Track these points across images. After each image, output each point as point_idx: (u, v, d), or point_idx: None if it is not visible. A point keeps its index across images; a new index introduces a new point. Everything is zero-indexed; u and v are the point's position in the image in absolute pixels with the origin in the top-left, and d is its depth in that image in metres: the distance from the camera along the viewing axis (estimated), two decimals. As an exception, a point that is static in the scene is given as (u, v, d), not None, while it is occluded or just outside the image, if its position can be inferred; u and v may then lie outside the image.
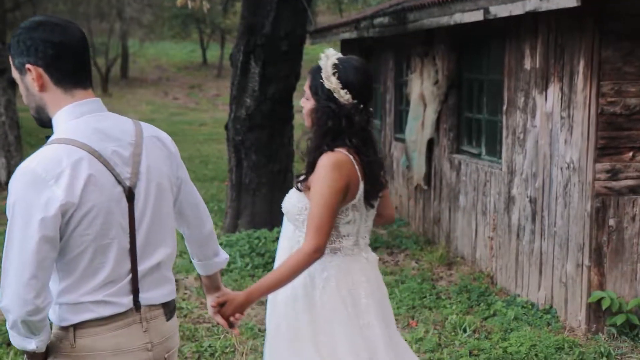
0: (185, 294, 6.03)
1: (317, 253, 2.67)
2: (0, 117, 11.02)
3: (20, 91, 2.11)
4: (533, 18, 5.57)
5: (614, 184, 4.97)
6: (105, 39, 28.39)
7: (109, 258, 2.02)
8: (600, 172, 4.95)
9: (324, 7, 33.38)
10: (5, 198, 8.37)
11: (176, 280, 6.30)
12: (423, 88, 7.76)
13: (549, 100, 5.43)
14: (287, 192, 8.02)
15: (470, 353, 4.77)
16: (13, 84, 11.17)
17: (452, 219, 7.27)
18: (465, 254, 6.97)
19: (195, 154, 16.21)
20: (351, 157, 2.75)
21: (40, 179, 1.91)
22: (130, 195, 2.05)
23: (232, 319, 2.63)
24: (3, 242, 2.02)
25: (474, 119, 7.03)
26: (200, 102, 27.79)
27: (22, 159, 11.45)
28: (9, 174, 10.82)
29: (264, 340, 4.92)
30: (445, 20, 6.45)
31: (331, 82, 2.76)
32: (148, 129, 2.18)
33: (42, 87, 2.03)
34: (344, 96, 2.76)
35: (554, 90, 5.37)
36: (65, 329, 2.03)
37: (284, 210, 2.93)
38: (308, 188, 2.79)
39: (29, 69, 2.02)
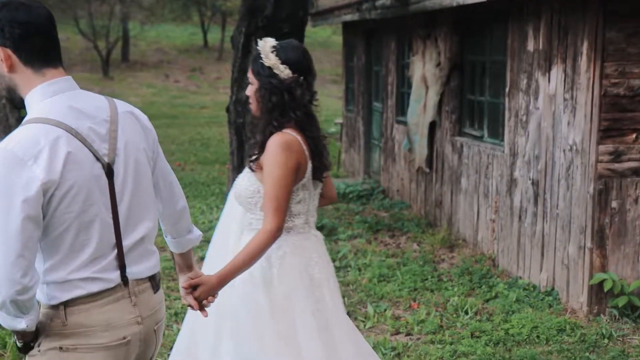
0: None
1: (278, 232, 2.79)
2: (1, 100, 11.00)
3: None
4: (536, -1, 5.53)
5: (616, 165, 4.96)
6: (106, 21, 28.27)
7: (93, 234, 2.03)
8: (603, 154, 4.94)
9: (326, -11, 33.20)
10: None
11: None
12: (425, 70, 7.73)
13: (552, 81, 5.41)
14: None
15: (471, 335, 4.78)
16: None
17: (454, 202, 7.26)
18: (467, 236, 6.97)
19: (197, 137, 16.19)
20: (298, 137, 2.89)
21: (19, 160, 1.91)
22: (109, 171, 2.07)
23: (204, 302, 2.67)
24: None
25: (476, 101, 7.00)
26: (201, 85, 27.72)
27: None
28: (10, 156, 10.77)
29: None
30: (447, 1, 6.41)
31: (270, 59, 2.90)
32: (122, 105, 2.19)
33: (12, 68, 2.03)
34: (283, 71, 2.89)
35: (557, 72, 5.34)
36: (55, 307, 2.04)
37: (235, 194, 3.01)
38: (260, 168, 2.89)
39: None
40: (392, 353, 4.45)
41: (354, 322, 5.04)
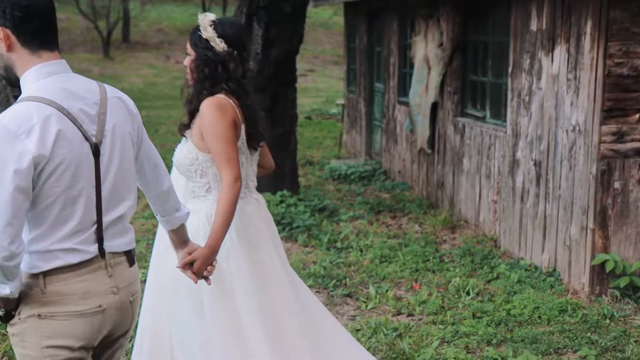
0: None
1: (237, 181, 2.92)
2: (2, 81, 10.95)
3: None
4: (540, -22, 5.48)
5: (619, 146, 4.94)
6: (106, 2, 28.12)
7: (77, 209, 2.15)
8: (606, 135, 4.91)
9: (327, -31, 32.98)
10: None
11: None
12: (427, 51, 7.68)
13: (555, 62, 5.37)
14: (290, 155, 8.06)
15: (473, 315, 4.79)
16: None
17: (456, 183, 7.25)
18: (469, 217, 6.96)
19: (198, 118, 16.14)
20: (231, 100, 3.02)
21: (13, 134, 2.02)
22: (96, 151, 2.18)
23: (205, 273, 2.81)
24: None
25: (478, 82, 6.96)
26: (202, 66, 27.57)
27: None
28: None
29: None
30: (450, -20, 6.36)
31: (207, 31, 3.04)
32: (111, 91, 2.30)
33: (10, 48, 2.14)
34: (219, 44, 3.04)
35: (560, 52, 5.30)
36: (35, 276, 2.14)
37: (175, 164, 3.13)
38: (194, 135, 3.04)
39: None
40: (394, 333, 4.45)
41: (356, 303, 5.06)
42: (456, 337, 4.42)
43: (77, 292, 2.16)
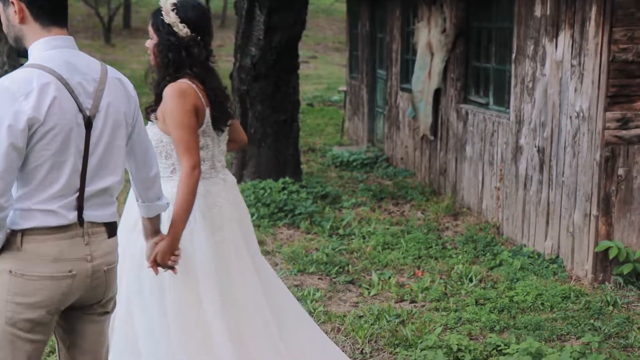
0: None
1: (196, 169, 2.98)
2: (4, 67, 10.93)
3: (2, 21, 2.37)
4: (544, -37, 5.43)
5: (624, 132, 4.91)
6: (107, -12, 28.01)
7: (63, 174, 2.26)
8: (611, 121, 4.89)
9: (329, -45, 32.83)
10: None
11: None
12: (430, 37, 7.64)
13: (560, 48, 5.34)
14: (293, 142, 8.04)
15: (476, 302, 4.78)
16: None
17: (459, 170, 7.23)
18: (472, 204, 6.95)
19: (200, 105, 16.12)
20: (194, 85, 3.05)
21: (12, 94, 2.16)
22: (88, 123, 2.30)
23: (170, 262, 2.92)
24: None
25: (482, 68, 6.93)
26: (203, 53, 27.50)
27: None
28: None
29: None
30: (454, -34, 6.31)
31: (170, 16, 3.05)
32: (112, 72, 2.42)
33: (23, 20, 2.30)
34: (182, 29, 3.05)
35: (564, 38, 5.27)
36: (14, 232, 2.25)
37: None
38: (157, 118, 3.10)
39: (12, 2, 2.29)
40: (397, 320, 4.45)
41: (358, 290, 5.06)
42: (459, 324, 4.42)
43: (51, 254, 2.25)
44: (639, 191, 4.98)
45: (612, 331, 4.28)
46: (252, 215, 6.60)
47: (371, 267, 5.48)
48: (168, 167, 3.13)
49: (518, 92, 5.99)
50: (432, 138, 7.83)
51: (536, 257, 5.58)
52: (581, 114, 5.10)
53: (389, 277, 5.26)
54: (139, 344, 3.11)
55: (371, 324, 4.38)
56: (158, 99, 3.11)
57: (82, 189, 2.30)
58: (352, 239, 6.19)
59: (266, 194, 6.95)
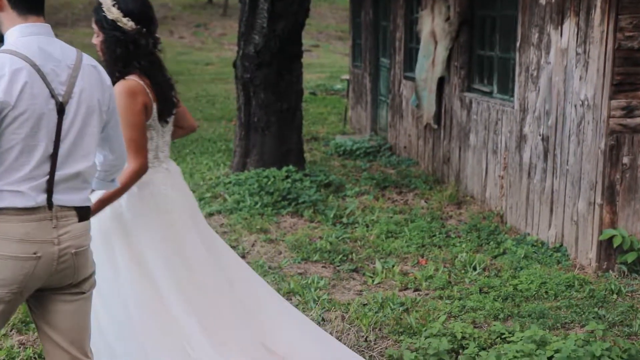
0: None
1: (143, 169, 3.08)
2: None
3: None
4: (550, -50, 5.40)
5: (629, 121, 4.90)
6: (109, -24, 27.92)
7: (33, 158, 2.30)
8: (616, 109, 4.87)
9: (331, -57, 32.69)
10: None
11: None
12: (434, 25, 7.61)
13: (565, 35, 5.31)
14: (296, 130, 8.05)
15: (480, 290, 4.78)
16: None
17: (462, 158, 7.22)
18: (475, 193, 6.94)
19: (202, 94, 16.10)
20: (142, 82, 3.10)
21: None
22: (61, 109, 2.35)
23: None
24: None
25: (485, 57, 6.90)
26: (206, 42, 27.50)
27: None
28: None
29: (273, 277, 4.95)
30: (458, -47, 6.28)
31: (112, 12, 3.08)
32: (88, 59, 2.47)
33: (0, 8, 2.37)
34: (127, 23, 3.08)
35: (569, 25, 5.24)
36: None
37: None
38: None
39: None
40: (401, 308, 4.45)
41: (362, 278, 5.06)
42: (463, 312, 4.42)
43: (17, 234, 2.29)
44: (643, 180, 4.97)
45: (616, 319, 4.29)
46: (256, 203, 6.60)
47: (375, 256, 5.48)
48: None
49: (522, 81, 5.97)
50: (435, 127, 7.82)
51: (540, 245, 5.58)
52: (586, 102, 5.09)
53: (393, 266, 5.26)
54: (102, 327, 3.16)
55: (375, 312, 4.39)
56: None
57: (52, 173, 2.34)
58: (355, 227, 6.20)
59: (270, 183, 6.95)
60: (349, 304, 4.54)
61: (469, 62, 7.16)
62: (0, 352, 3.78)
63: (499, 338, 3.94)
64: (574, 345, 3.56)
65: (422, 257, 5.50)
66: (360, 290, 4.86)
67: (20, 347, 3.89)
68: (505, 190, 6.34)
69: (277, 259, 5.42)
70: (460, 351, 3.77)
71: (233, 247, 5.64)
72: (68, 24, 27.13)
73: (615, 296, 4.64)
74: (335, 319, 4.26)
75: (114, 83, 3.05)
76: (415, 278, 5.01)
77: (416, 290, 4.86)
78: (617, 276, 4.95)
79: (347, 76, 12.80)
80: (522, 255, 5.35)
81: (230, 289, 3.46)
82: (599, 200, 5.01)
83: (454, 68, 7.36)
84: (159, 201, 3.25)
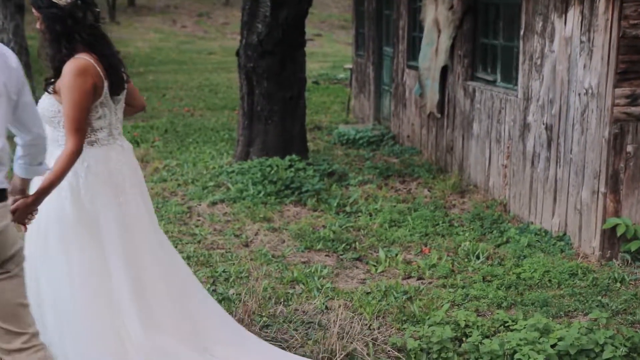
0: (199, 220, 6.05)
1: (78, 152, 3.08)
2: (10, 44, 10.89)
3: None
4: (554, -62, 5.37)
5: (633, 109, 4.88)
6: (111, -35, 27.85)
7: None
8: (620, 98, 4.86)
9: None
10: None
11: (189, 208, 6.33)
12: (437, 13, 7.59)
13: (569, 23, 5.29)
14: (299, 119, 8.06)
15: (483, 279, 4.79)
16: (21, 9, 10.99)
17: (466, 147, 7.21)
18: (478, 182, 6.94)
19: (205, 83, 16.08)
20: (92, 60, 3.11)
21: None
22: None
23: (26, 221, 3.01)
24: None
25: (489, 45, 6.88)
26: (208, 31, 27.44)
27: (32, 85, 11.37)
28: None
29: (277, 266, 4.96)
30: (462, -59, 6.25)
31: None
32: None
33: None
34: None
35: (574, 14, 5.22)
36: None
37: (40, 113, 3.26)
38: (56, 91, 3.16)
39: None
40: (404, 296, 4.46)
41: (366, 267, 5.07)
42: (466, 300, 4.43)
43: None
44: (647, 168, 4.96)
45: (619, 308, 4.29)
46: (259, 192, 6.61)
47: (378, 245, 5.49)
48: (63, 135, 3.20)
49: (526, 69, 5.95)
50: (438, 116, 7.80)
51: (543, 234, 5.58)
52: (590, 91, 5.07)
53: (396, 254, 5.26)
54: (44, 308, 3.20)
55: (379, 301, 4.39)
56: (57, 72, 3.16)
57: None
58: (359, 216, 6.20)
59: (273, 172, 6.95)
60: (352, 292, 4.54)
61: (473, 51, 7.14)
62: None
63: (502, 326, 3.95)
64: (578, 333, 3.56)
65: (426, 245, 5.51)
66: (364, 279, 4.87)
67: None
68: (508, 179, 6.34)
69: (280, 248, 5.43)
70: (464, 339, 3.78)
71: (237, 236, 5.65)
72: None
73: (618, 285, 4.64)
74: (338, 307, 4.26)
75: (62, 62, 3.11)
76: (419, 267, 5.01)
77: (419, 278, 4.87)
78: (620, 265, 4.95)
79: (350, 65, 12.77)
80: (526, 244, 5.35)
81: (172, 276, 3.51)
82: (602, 188, 5.00)
83: (457, 57, 7.34)
84: (115, 178, 3.30)
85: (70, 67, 3.06)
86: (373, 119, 10.61)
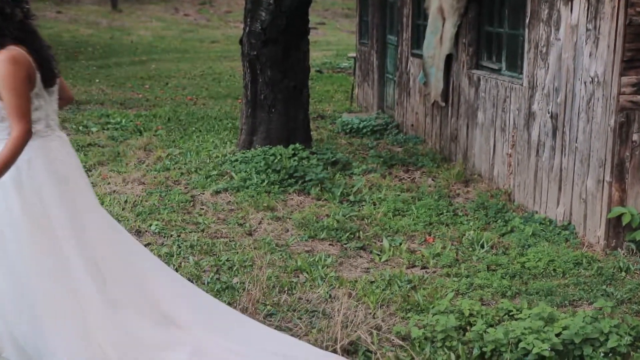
0: (202, 209, 6.04)
1: (27, 134, 3.11)
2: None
3: None
4: None
5: (639, 97, 4.85)
6: (114, -47, 27.76)
7: None
8: (626, 86, 4.82)
9: None
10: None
11: (192, 196, 6.32)
12: (442, 1, 7.54)
13: (575, 11, 5.25)
14: (303, 108, 8.03)
15: (487, 268, 4.77)
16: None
17: (470, 136, 7.19)
18: (483, 171, 6.91)
19: (208, 72, 16.05)
20: (23, 51, 3.13)
21: None
22: None
23: None
24: None
25: (494, 33, 6.84)
26: (211, 19, 27.37)
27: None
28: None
29: (281, 255, 4.95)
30: None
31: None
32: None
33: None
34: None
35: (580, 1, 5.18)
36: None
37: None
38: None
39: None
40: (408, 285, 4.45)
41: (369, 256, 5.06)
42: (471, 289, 4.42)
43: None
44: (653, 157, 4.93)
45: (624, 297, 4.28)
46: (263, 181, 6.59)
47: (382, 234, 5.47)
48: (4, 129, 3.21)
49: (531, 57, 5.91)
50: (443, 104, 7.77)
51: (548, 223, 5.56)
52: (596, 79, 5.04)
53: (400, 243, 5.25)
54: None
55: (383, 289, 4.38)
56: None
57: None
58: (362, 205, 6.18)
59: (276, 160, 6.93)
60: (356, 281, 4.53)
61: (477, 39, 7.10)
62: None
63: (506, 315, 3.93)
64: (582, 322, 3.54)
65: (430, 235, 5.49)
66: (368, 268, 4.85)
67: None
68: (513, 168, 6.31)
69: (284, 237, 5.41)
70: (468, 328, 3.76)
71: (240, 225, 5.65)
72: (73, 1, 26.99)
73: (623, 274, 4.63)
74: (342, 296, 4.25)
75: None
76: (423, 256, 5.00)
77: (423, 267, 4.86)
78: (625, 254, 4.93)
79: (353, 54, 12.73)
80: (530, 233, 5.33)
81: (126, 254, 3.57)
82: (608, 177, 4.98)
83: (462, 45, 7.30)
84: (57, 167, 3.33)
85: (2, 57, 3.09)
86: (377, 108, 10.58)
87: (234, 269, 4.71)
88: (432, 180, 7.03)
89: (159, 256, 4.86)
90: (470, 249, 5.15)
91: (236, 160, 7.23)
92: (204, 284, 4.45)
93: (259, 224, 5.70)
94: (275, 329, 3.82)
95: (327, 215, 5.86)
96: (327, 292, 4.34)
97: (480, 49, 7.09)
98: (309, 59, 7.81)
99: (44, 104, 3.31)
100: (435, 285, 4.46)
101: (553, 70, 5.58)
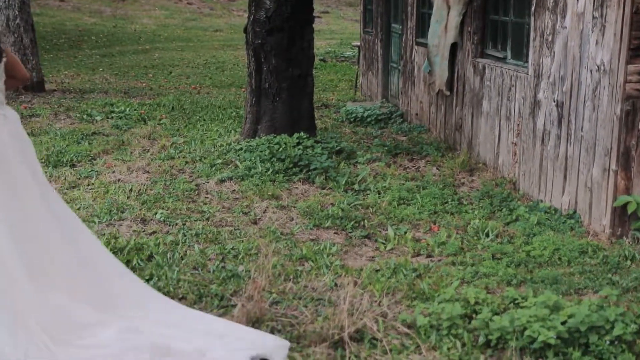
0: (207, 197, 6.04)
1: None
2: (15, 20, 10.85)
3: None
4: None
5: (646, 86, 4.83)
6: (117, -58, 27.65)
7: None
8: (632, 74, 4.80)
9: None
10: (23, 102, 8.37)
11: (197, 185, 6.32)
12: (447, -11, 7.51)
13: (581, -1, 5.23)
14: (307, 97, 8.02)
15: (493, 257, 4.77)
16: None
17: (475, 125, 7.17)
18: (488, 160, 6.90)
19: (212, 60, 16.03)
20: None
21: None
22: None
23: None
24: None
25: (499, 22, 6.81)
26: (214, 8, 27.30)
27: (38, 62, 11.33)
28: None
29: (286, 243, 4.95)
30: None
31: None
32: None
33: None
34: None
35: (586, -11, 5.16)
36: None
37: None
38: None
39: None
40: (414, 274, 4.45)
41: (374, 244, 5.06)
42: (476, 278, 4.42)
43: None
44: (659, 146, 4.92)
45: (630, 285, 4.27)
46: (267, 170, 6.59)
47: (387, 222, 5.47)
48: None
49: (537, 46, 5.89)
50: (447, 93, 7.75)
51: (553, 212, 5.56)
52: (602, 67, 5.02)
53: (405, 232, 5.25)
54: None
55: (388, 278, 4.39)
56: None
57: None
58: (367, 194, 6.18)
59: (281, 149, 6.93)
60: (361, 269, 4.54)
61: (483, 28, 7.07)
62: None
63: (512, 303, 3.93)
64: (588, 310, 3.54)
65: (435, 223, 5.49)
66: (373, 257, 4.86)
67: None
68: (518, 156, 6.30)
69: (289, 226, 5.42)
70: (474, 316, 3.77)
71: (245, 214, 5.65)
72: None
73: (629, 262, 4.62)
74: (347, 284, 4.26)
75: None
76: (428, 244, 5.00)
77: (429, 256, 4.86)
78: (631, 242, 4.92)
79: (357, 43, 12.69)
80: (535, 222, 5.32)
81: (65, 241, 3.57)
82: (613, 166, 4.97)
83: (467, 33, 7.28)
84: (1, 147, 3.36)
85: None
86: (381, 97, 10.56)
87: (240, 257, 4.72)
88: (437, 169, 7.02)
89: (164, 244, 4.87)
90: (475, 238, 5.14)
91: (241, 149, 7.23)
92: (209, 272, 4.46)
93: (263, 212, 5.71)
94: (281, 317, 3.83)
95: (332, 204, 5.86)
96: (333, 281, 4.35)
97: (486, 38, 7.07)
98: (313, 47, 7.80)
99: None
100: (441, 274, 4.46)
101: (559, 58, 5.56)
